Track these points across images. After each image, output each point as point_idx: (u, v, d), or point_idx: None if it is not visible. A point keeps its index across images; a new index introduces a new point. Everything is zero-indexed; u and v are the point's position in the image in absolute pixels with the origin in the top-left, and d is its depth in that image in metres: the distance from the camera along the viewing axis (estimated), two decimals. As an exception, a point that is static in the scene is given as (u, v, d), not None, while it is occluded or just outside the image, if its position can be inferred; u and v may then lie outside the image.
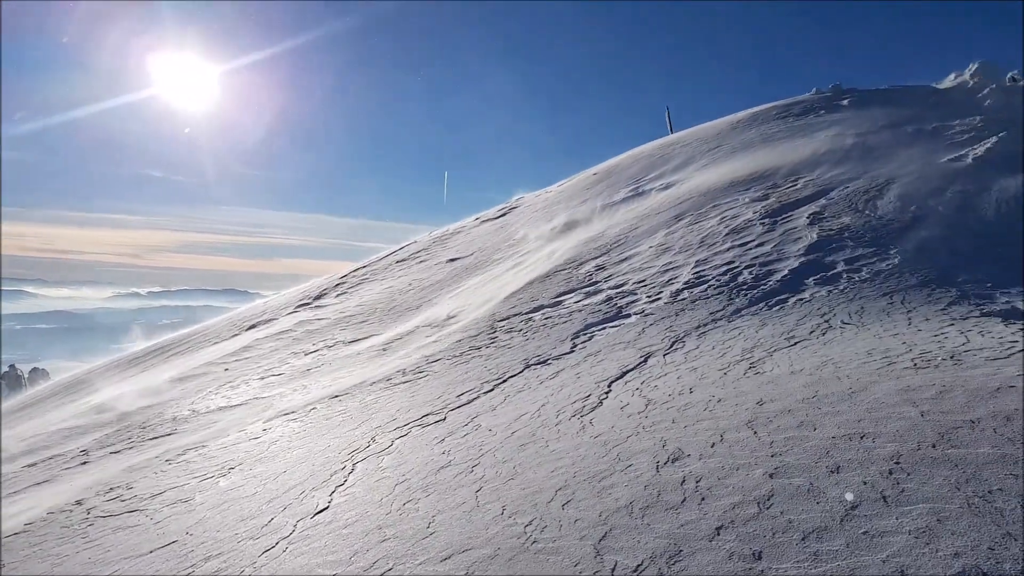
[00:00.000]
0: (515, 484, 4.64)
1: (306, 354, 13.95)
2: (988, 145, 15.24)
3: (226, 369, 14.65)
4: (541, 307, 11.63)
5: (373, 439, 6.87)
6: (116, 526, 6.54)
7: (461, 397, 7.76)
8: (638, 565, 3.17)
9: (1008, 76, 23.39)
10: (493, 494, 4.56)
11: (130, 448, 10.06)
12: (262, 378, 12.67)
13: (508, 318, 11.47)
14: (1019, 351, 5.41)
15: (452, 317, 13.25)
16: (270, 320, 20.15)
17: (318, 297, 21.52)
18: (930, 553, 2.77)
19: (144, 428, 11.13)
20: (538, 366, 8.42)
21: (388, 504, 4.91)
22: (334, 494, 5.51)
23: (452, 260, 20.90)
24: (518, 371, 8.39)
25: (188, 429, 10.19)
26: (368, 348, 12.75)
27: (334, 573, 3.98)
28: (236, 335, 19.62)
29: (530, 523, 3.91)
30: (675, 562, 3.12)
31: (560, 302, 11.67)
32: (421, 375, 9.46)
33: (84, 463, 9.92)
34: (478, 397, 7.62)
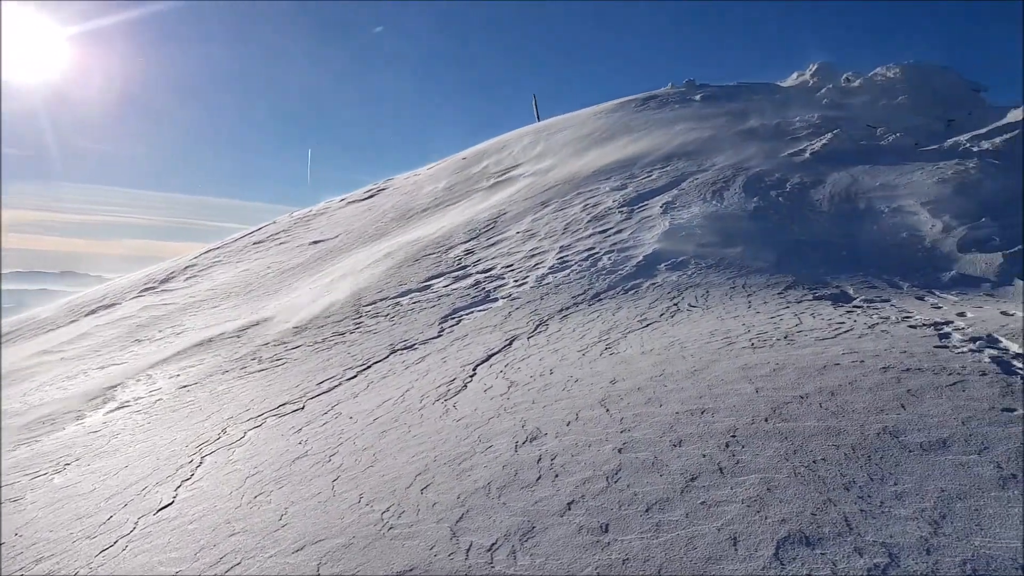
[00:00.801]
0: (374, 471, 4.57)
1: (151, 341, 13.08)
2: (824, 141, 16.61)
3: (63, 358, 13.48)
4: (409, 291, 11.52)
5: (224, 431, 6.54)
6: (-69, 532, 5.87)
7: (322, 385, 7.54)
8: (492, 544, 3.20)
9: (843, 76, 25.62)
10: (351, 483, 4.46)
11: (-53, 447, 9.04)
12: (102, 367, 11.75)
13: (375, 303, 11.27)
14: (845, 331, 5.94)
15: (315, 302, 12.84)
16: (112, 305, 18.73)
17: (165, 280, 20.24)
18: (760, 520, 2.97)
19: (-37, 425, 10.03)
20: (404, 351, 8.33)
21: (238, 497, 4.69)
22: (180, 489, 5.20)
23: (315, 243, 20.26)
24: (383, 356, 8.26)
25: (19, 423, 9.28)
26: (220, 335, 12.12)
27: (176, 571, 3.75)
28: (74, 321, 18.09)
29: (387, 510, 3.86)
30: (528, 538, 3.18)
31: (429, 286, 11.60)
32: (279, 363, 9.11)
33: None
34: (340, 384, 7.43)
